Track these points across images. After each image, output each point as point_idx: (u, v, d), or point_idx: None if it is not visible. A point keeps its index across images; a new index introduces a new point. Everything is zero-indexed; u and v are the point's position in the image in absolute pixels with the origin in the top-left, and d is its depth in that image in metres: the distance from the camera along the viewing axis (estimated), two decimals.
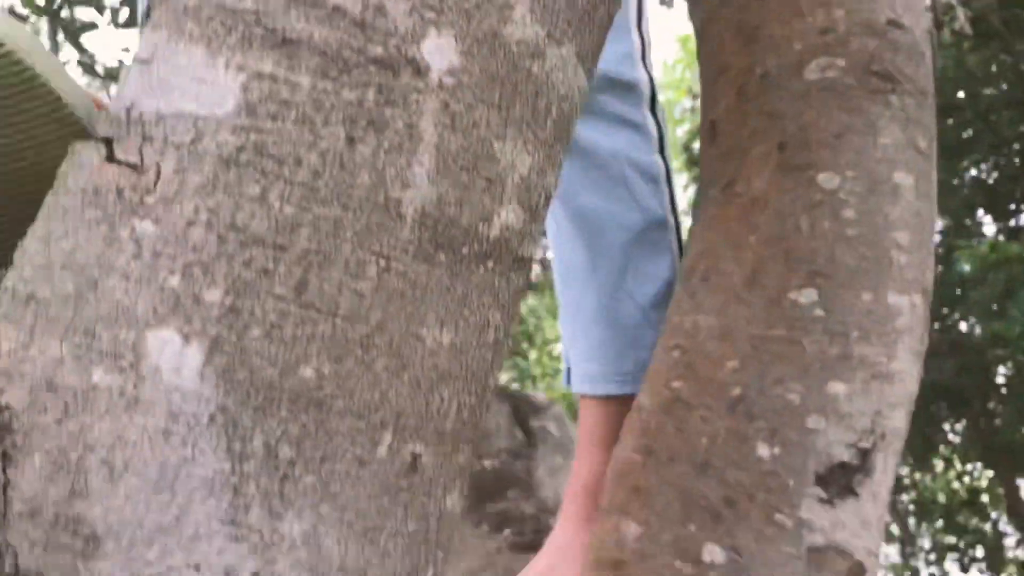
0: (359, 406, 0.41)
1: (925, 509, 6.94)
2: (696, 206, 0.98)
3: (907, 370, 0.81)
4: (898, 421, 0.80)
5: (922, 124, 0.89)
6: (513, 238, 0.45)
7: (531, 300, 6.10)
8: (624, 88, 1.04)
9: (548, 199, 0.48)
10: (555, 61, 0.45)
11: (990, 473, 6.39)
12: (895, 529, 7.19)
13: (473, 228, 0.43)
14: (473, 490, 1.14)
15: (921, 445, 6.30)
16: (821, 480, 0.76)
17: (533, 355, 5.88)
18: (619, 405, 1.03)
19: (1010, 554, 6.77)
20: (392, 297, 0.41)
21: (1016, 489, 6.14)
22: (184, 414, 0.37)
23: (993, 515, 6.93)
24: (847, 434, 0.77)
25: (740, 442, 0.78)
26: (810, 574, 0.75)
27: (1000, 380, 5.43)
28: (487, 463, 1.17)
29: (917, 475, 7.10)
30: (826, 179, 0.84)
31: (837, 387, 0.78)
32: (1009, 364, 4.54)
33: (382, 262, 0.40)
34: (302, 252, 0.39)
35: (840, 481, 0.77)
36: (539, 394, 1.33)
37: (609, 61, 1.01)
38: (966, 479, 6.98)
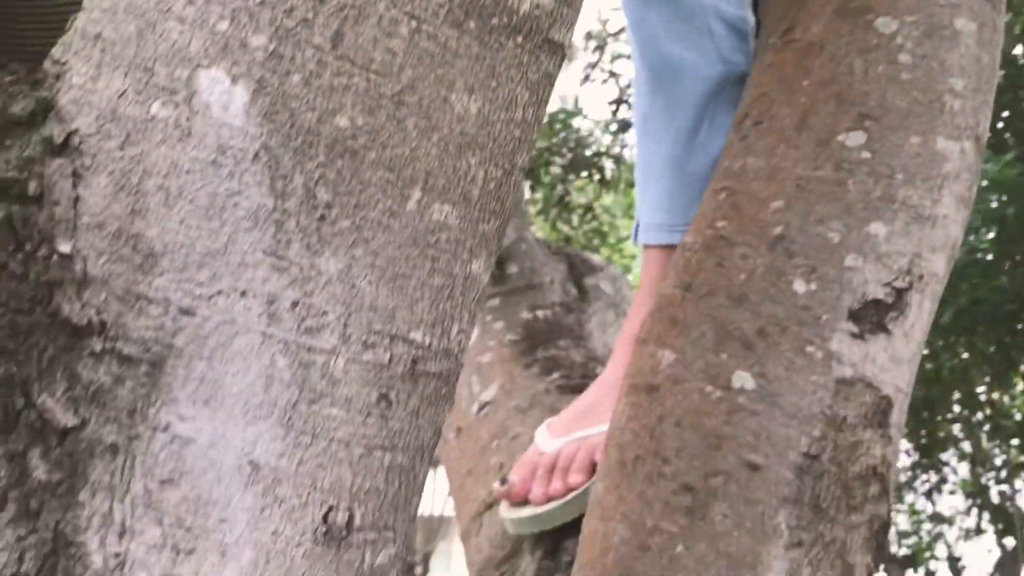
0: (390, 159, 0.44)
1: (999, 428, 6.83)
2: (755, 56, 0.98)
3: (951, 215, 0.81)
4: (937, 265, 0.81)
5: None
6: (543, 17, 0.48)
7: (605, 198, 6.07)
8: None
9: None
10: None
11: None
12: (967, 446, 7.11)
13: (504, 0, 0.46)
14: (526, 338, 1.19)
15: (1000, 360, 6.16)
16: (854, 316, 0.78)
17: (605, 252, 5.89)
18: None
19: None
20: (423, 58, 0.44)
21: None
22: (231, 148, 0.41)
23: None
24: (884, 273, 0.79)
25: (777, 277, 0.80)
26: (836, 404, 0.77)
27: None
28: (540, 314, 1.21)
29: (995, 393, 6.97)
30: (884, 24, 0.84)
31: (878, 227, 0.79)
32: None
33: (413, 22, 0.43)
34: (339, 5, 0.42)
35: (873, 318, 0.79)
36: (596, 255, 1.36)
37: None
38: None
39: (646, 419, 0.82)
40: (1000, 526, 6.79)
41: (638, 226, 1.09)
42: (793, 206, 0.82)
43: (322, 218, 0.44)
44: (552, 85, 0.51)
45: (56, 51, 0.42)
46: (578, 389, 1.14)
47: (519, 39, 0.47)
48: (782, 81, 0.88)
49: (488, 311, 1.22)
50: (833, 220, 0.80)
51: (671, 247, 1.06)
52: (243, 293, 0.43)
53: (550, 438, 0.99)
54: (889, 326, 0.79)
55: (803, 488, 0.77)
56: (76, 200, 0.40)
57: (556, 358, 1.16)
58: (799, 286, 0.79)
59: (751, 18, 1.05)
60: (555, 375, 1.14)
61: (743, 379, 0.79)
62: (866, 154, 0.81)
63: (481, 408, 1.17)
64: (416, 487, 0.50)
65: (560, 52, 0.50)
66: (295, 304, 0.44)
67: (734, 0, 1.04)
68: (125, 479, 0.42)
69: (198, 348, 0.43)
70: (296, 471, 0.44)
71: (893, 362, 0.79)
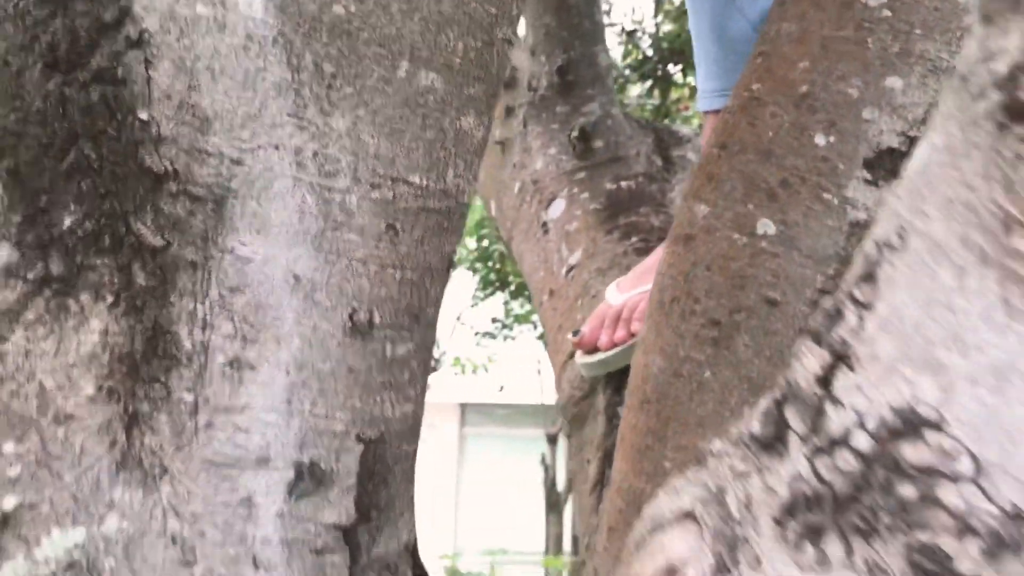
0: (380, 37, 0.57)
1: None
2: None
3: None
4: None
5: None
6: None
7: None
8: None
9: None
10: None
11: None
12: None
13: None
14: (608, 206, 1.29)
15: None
16: (868, 164, 0.85)
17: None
18: None
19: None
20: None
21: None
22: (256, 35, 0.55)
23: None
24: (899, 123, 0.85)
25: (800, 132, 0.87)
26: (850, 244, 0.85)
27: None
28: (623, 184, 1.31)
29: None
30: None
31: (894, 81, 0.85)
32: None
33: None
34: None
35: (886, 165, 0.85)
36: (684, 127, 1.43)
37: None
38: None
39: (682, 265, 0.92)
40: None
41: (700, 93, 1.17)
42: (818, 65, 0.88)
43: (330, 86, 0.57)
44: None
45: None
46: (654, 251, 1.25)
47: None
48: None
49: (575, 184, 1.33)
50: (853, 76, 0.86)
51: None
52: (276, 147, 0.57)
53: (618, 293, 1.11)
54: (902, 172, 0.85)
55: None
56: (149, 80, 0.55)
57: (636, 223, 1.27)
58: (820, 139, 0.87)
59: None
60: (634, 239, 1.25)
61: (766, 225, 0.87)
62: (887, 12, 0.86)
63: (568, 271, 1.30)
64: (428, 300, 0.64)
65: None
66: (315, 154, 0.58)
67: None
68: (204, 287, 0.58)
69: (248, 190, 0.58)
70: (327, 282, 0.59)
71: None
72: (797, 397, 0.35)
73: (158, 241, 0.57)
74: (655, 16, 4.19)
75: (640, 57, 4.38)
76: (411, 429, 0.64)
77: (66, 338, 0.56)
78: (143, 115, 0.55)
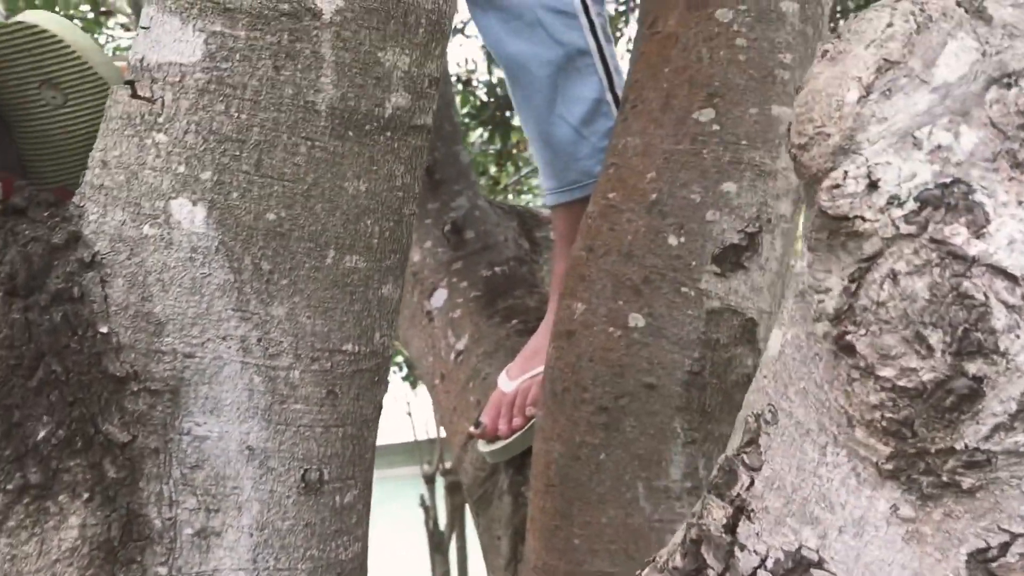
0: (309, 234, 0.65)
1: None
2: (634, 46, 1.16)
3: (790, 166, 1.01)
4: (783, 208, 1.01)
5: None
6: (404, 114, 0.68)
7: None
8: None
9: (433, 81, 0.70)
10: None
11: None
12: None
13: (371, 112, 0.66)
14: (487, 292, 1.40)
15: None
16: (716, 259, 0.99)
17: None
18: (576, 209, 1.26)
19: None
20: (320, 164, 0.64)
21: None
22: (200, 247, 0.62)
23: None
24: (737, 222, 0.99)
25: (655, 235, 1.01)
26: (709, 329, 0.99)
27: None
28: (497, 269, 1.42)
29: None
30: (722, 14, 1.02)
31: (729, 186, 0.99)
32: None
33: (308, 143, 0.63)
34: (255, 143, 0.62)
35: (732, 259, 0.99)
36: (543, 209, 1.56)
37: None
38: None
39: (568, 358, 1.04)
40: None
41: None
42: (663, 175, 1.02)
43: (268, 280, 0.65)
44: (424, 151, 0.72)
45: (76, 199, 0.63)
46: (533, 331, 1.36)
47: (388, 134, 0.67)
48: (649, 68, 1.07)
49: (454, 273, 1.43)
50: (694, 184, 1.00)
51: (564, 205, 1.27)
52: (224, 338, 0.64)
53: (509, 380, 1.22)
54: (745, 263, 0.99)
55: (691, 398, 0.98)
56: (106, 297, 0.62)
57: (513, 306, 1.38)
58: (672, 240, 1.00)
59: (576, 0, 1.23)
60: (514, 321, 1.36)
61: (636, 319, 1.00)
62: (716, 127, 1.00)
63: (457, 356, 1.39)
64: (367, 447, 0.72)
65: (424, 130, 0.70)
66: (259, 340, 0.65)
67: None
68: (167, 468, 0.65)
69: (201, 378, 0.64)
70: (279, 449, 0.67)
71: (753, 291, 1.00)
72: (711, 540, 0.46)
73: (125, 437, 0.63)
74: (488, 67, 4.36)
75: (478, 104, 4.54)
76: (360, 566, 0.72)
77: (48, 538, 0.61)
78: (103, 328, 0.62)
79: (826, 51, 0.44)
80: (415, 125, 0.69)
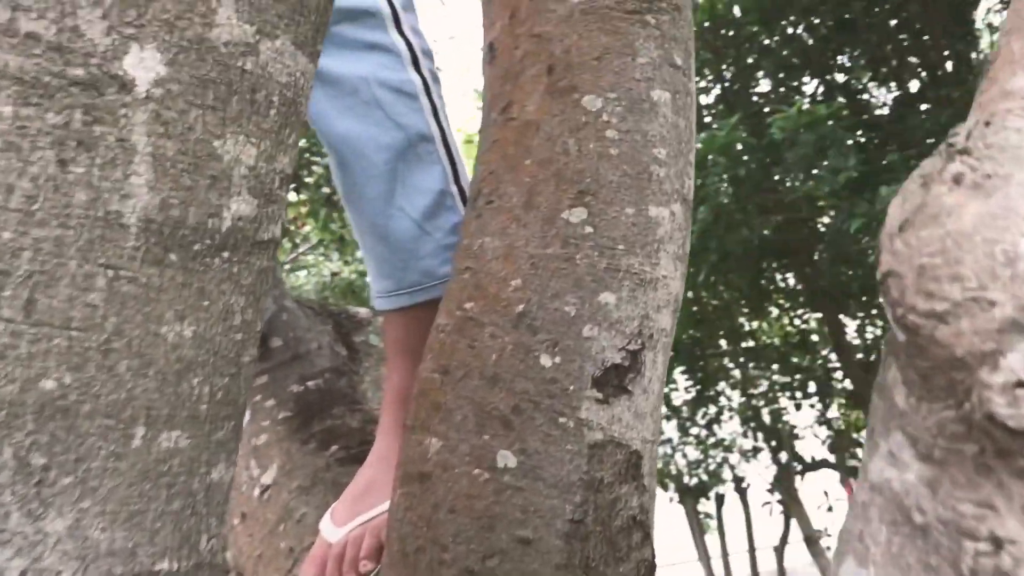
0: (107, 407, 0.44)
1: (761, 354, 7.46)
2: (481, 130, 1.02)
3: (670, 274, 0.89)
4: (664, 322, 0.89)
5: (678, 40, 0.94)
6: (247, 226, 0.48)
7: None
8: (361, 14, 1.05)
9: (285, 180, 0.51)
10: (270, 55, 0.47)
11: (818, 315, 6.89)
12: (737, 374, 7.70)
13: (202, 225, 0.46)
14: (299, 412, 1.18)
15: (757, 296, 6.70)
16: (597, 383, 0.84)
17: None
18: (416, 314, 1.08)
19: (839, 386, 7.41)
20: (126, 302, 0.43)
21: (841, 327, 6.66)
22: None
23: (822, 353, 7.52)
24: (618, 338, 0.85)
25: (525, 354, 0.85)
26: (592, 467, 0.83)
27: (821, 230, 5.80)
28: (311, 384, 1.21)
29: (754, 324, 7.58)
30: (590, 101, 0.90)
31: (607, 297, 0.86)
32: (826, 217, 4.87)
33: (110, 272, 0.43)
34: (26, 274, 0.41)
35: (614, 382, 0.85)
36: (361, 309, 1.37)
37: None
38: (797, 323, 7.50)
39: (422, 508, 0.85)
40: (773, 443, 7.46)
41: (373, 292, 1.12)
42: (530, 283, 0.87)
43: (40, 482, 0.42)
44: (271, 273, 0.52)
45: None
46: (358, 459, 1.16)
47: (225, 255, 0.47)
48: (506, 159, 0.92)
49: (257, 390, 1.20)
50: (568, 294, 0.86)
51: (400, 310, 1.09)
52: None
53: (334, 528, 1.00)
54: (629, 386, 0.85)
55: (573, 552, 0.82)
56: None
57: (333, 429, 1.17)
58: (545, 360, 0.85)
59: (416, 78, 1.08)
60: (334, 447, 1.15)
61: (506, 458, 0.83)
62: (589, 229, 0.87)
63: (263, 492, 1.16)
64: None
65: (272, 245, 0.51)
66: (23, 573, 0.42)
67: (393, 66, 1.07)
68: None
69: None
70: None
71: (637, 418, 0.86)
72: None
73: None
74: None
75: None
76: None
77: None
78: None
79: (959, 175, 0.30)
80: (261, 240, 0.50)
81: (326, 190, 5.42)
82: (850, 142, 3.91)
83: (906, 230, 0.31)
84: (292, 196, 5.53)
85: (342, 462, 1.13)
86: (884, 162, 4.20)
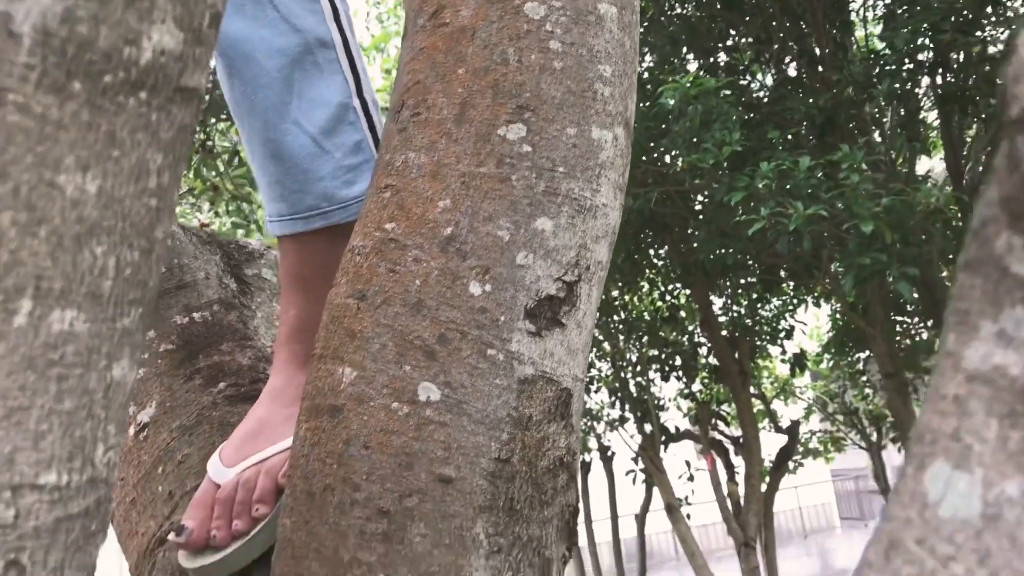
0: None
1: (632, 327, 7.60)
2: (404, 36, 0.93)
3: (609, 203, 0.83)
4: (601, 254, 0.83)
5: None
6: (171, 64, 0.39)
7: None
8: None
9: (216, 18, 0.42)
10: None
11: (688, 291, 7.04)
12: (607, 346, 7.81)
13: (117, 52, 0.36)
14: (183, 345, 1.07)
15: (630, 269, 6.79)
16: (530, 314, 0.78)
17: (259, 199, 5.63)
18: (313, 241, 0.99)
19: (703, 361, 7.63)
20: (13, 136, 0.33)
21: (710, 304, 6.83)
22: None
23: (689, 328, 7.71)
24: (554, 268, 0.79)
25: (452, 280, 0.77)
26: (521, 404, 0.77)
27: (697, 207, 5.92)
28: (196, 316, 1.10)
29: (627, 296, 7.69)
30: (532, 9, 0.82)
31: (544, 223, 0.79)
32: (705, 192, 4.95)
33: None
34: None
35: (548, 314, 0.78)
36: (253, 240, 1.26)
37: None
38: (668, 298, 7.66)
39: (331, 444, 0.77)
40: (639, 414, 7.61)
41: (267, 216, 1.01)
42: (460, 204, 0.79)
43: None
44: (192, 133, 0.43)
45: None
46: (249, 397, 1.05)
47: (143, 96, 0.38)
48: (435, 68, 0.84)
49: None
50: (501, 218, 0.78)
51: (295, 236, 1.00)
52: None
53: (224, 468, 0.90)
54: (563, 320, 0.79)
55: (497, 493, 0.76)
56: None
57: (220, 364, 1.06)
58: (475, 288, 0.77)
59: None
60: (221, 384, 1.04)
61: (428, 390, 0.75)
62: (527, 147, 0.80)
63: (140, 431, 1.04)
64: None
65: (196, 97, 0.41)
66: None
67: None
68: None
69: None
70: None
71: (569, 354, 0.80)
72: None
73: None
74: None
75: None
76: None
77: None
78: None
79: None
80: (184, 87, 0.40)
81: (200, 135, 5.13)
82: (735, 117, 3.97)
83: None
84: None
85: (231, 400, 1.03)
86: (765, 139, 4.29)
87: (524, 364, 0.77)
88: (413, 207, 0.80)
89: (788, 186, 3.68)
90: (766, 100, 5.27)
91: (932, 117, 5.60)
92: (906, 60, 4.48)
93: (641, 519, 8.47)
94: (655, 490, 7.77)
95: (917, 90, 4.88)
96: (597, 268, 0.82)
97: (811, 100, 4.79)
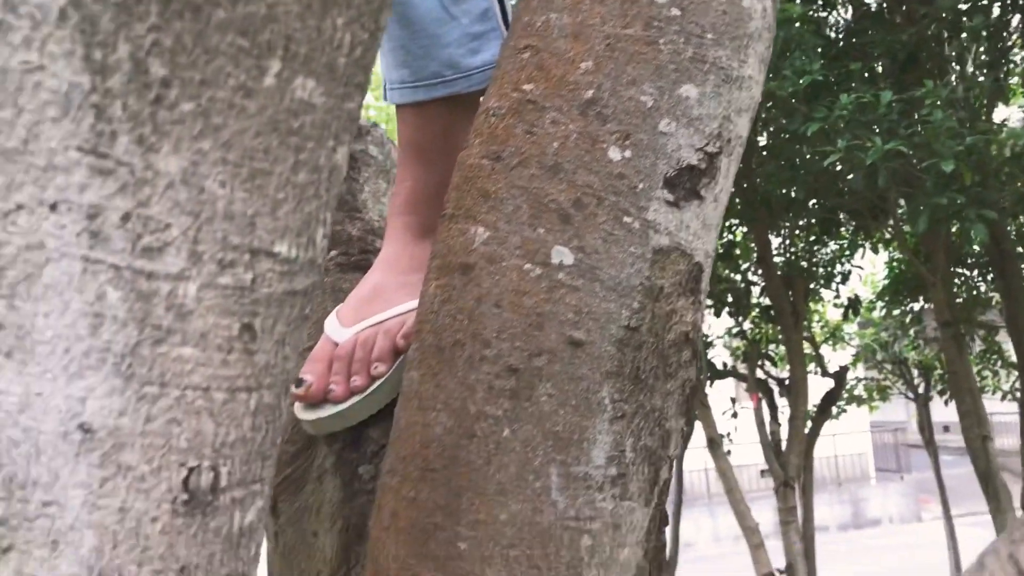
0: (243, 19, 0.33)
1: None
2: None
3: (755, 76, 0.81)
4: (743, 128, 0.81)
5: None
6: None
7: None
8: None
9: None
10: None
11: (744, 229, 6.95)
12: None
13: None
14: None
15: None
16: (669, 183, 0.77)
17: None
18: (434, 112, 0.98)
19: (755, 300, 7.57)
20: None
21: (768, 242, 6.74)
22: (26, 3, 0.29)
23: (743, 266, 7.64)
24: (696, 138, 0.77)
25: (591, 144, 0.76)
26: (654, 274, 0.76)
27: (762, 142, 5.80)
28: None
29: None
30: None
31: (689, 90, 0.77)
32: (781, 122, 4.84)
33: None
34: None
35: (687, 184, 0.77)
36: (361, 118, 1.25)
37: None
38: (725, 234, 7.58)
39: (462, 301, 0.77)
40: None
41: (386, 84, 1.00)
42: (603, 67, 0.77)
43: (158, 99, 0.32)
44: None
45: None
46: (359, 266, 1.06)
47: None
48: None
49: None
50: (645, 82, 0.77)
51: (417, 105, 0.98)
52: (53, 206, 0.31)
53: (341, 328, 0.91)
54: (702, 192, 0.78)
55: (624, 361, 0.76)
56: None
57: (332, 234, 1.06)
58: (614, 153, 0.76)
59: None
60: (333, 252, 1.05)
61: (562, 254, 0.75)
62: (676, 11, 0.77)
63: None
64: (280, 427, 0.41)
65: None
66: (126, 217, 0.33)
67: None
68: None
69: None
70: (143, 430, 0.35)
71: (705, 228, 0.79)
72: None
73: None
74: None
75: None
76: None
77: None
78: None
79: None
80: None
81: None
82: (815, 48, 3.86)
83: None
84: None
85: (342, 268, 1.03)
86: (844, 72, 4.17)
87: (660, 234, 0.76)
88: (553, 68, 0.79)
89: (866, 120, 3.58)
90: (844, 33, 5.10)
91: (1020, 59, 5.39)
92: None
93: (680, 454, 8.53)
94: (696, 424, 7.80)
95: (1005, 33, 4.70)
96: (737, 142, 0.81)
97: (894, 34, 4.63)
